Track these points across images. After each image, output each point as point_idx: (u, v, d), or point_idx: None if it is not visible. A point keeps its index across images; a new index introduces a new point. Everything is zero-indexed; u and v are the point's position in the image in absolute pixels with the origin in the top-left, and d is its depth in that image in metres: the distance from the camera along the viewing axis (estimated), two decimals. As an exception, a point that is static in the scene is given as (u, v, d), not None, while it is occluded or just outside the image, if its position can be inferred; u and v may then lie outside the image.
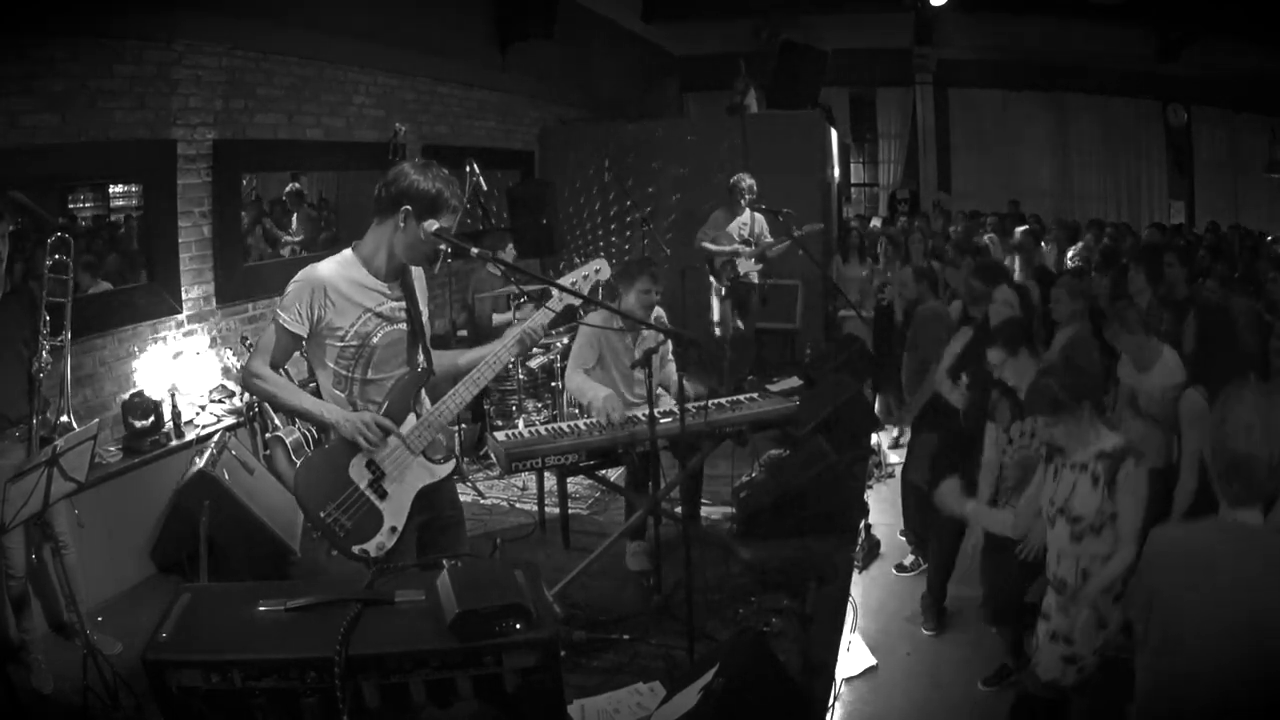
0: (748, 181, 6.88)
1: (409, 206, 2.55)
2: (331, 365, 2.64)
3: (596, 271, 3.01)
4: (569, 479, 4.58)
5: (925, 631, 4.25)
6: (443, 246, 2.65)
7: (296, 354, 2.73)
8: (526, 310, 5.53)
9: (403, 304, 2.69)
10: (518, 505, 5.17)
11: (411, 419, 2.69)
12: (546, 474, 4.38)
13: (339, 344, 2.60)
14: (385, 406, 2.64)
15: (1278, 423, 1.95)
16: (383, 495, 2.62)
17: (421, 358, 2.74)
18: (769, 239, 7.05)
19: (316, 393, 2.75)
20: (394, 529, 2.62)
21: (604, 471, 4.35)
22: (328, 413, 2.62)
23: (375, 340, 2.63)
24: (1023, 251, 7.56)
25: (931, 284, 5.36)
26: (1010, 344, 3.53)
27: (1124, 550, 2.66)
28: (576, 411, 4.76)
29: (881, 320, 6.51)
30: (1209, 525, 2.05)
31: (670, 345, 4.38)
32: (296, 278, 2.58)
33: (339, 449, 2.61)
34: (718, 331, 7.16)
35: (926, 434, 4.68)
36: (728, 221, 6.99)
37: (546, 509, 4.82)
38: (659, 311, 4.43)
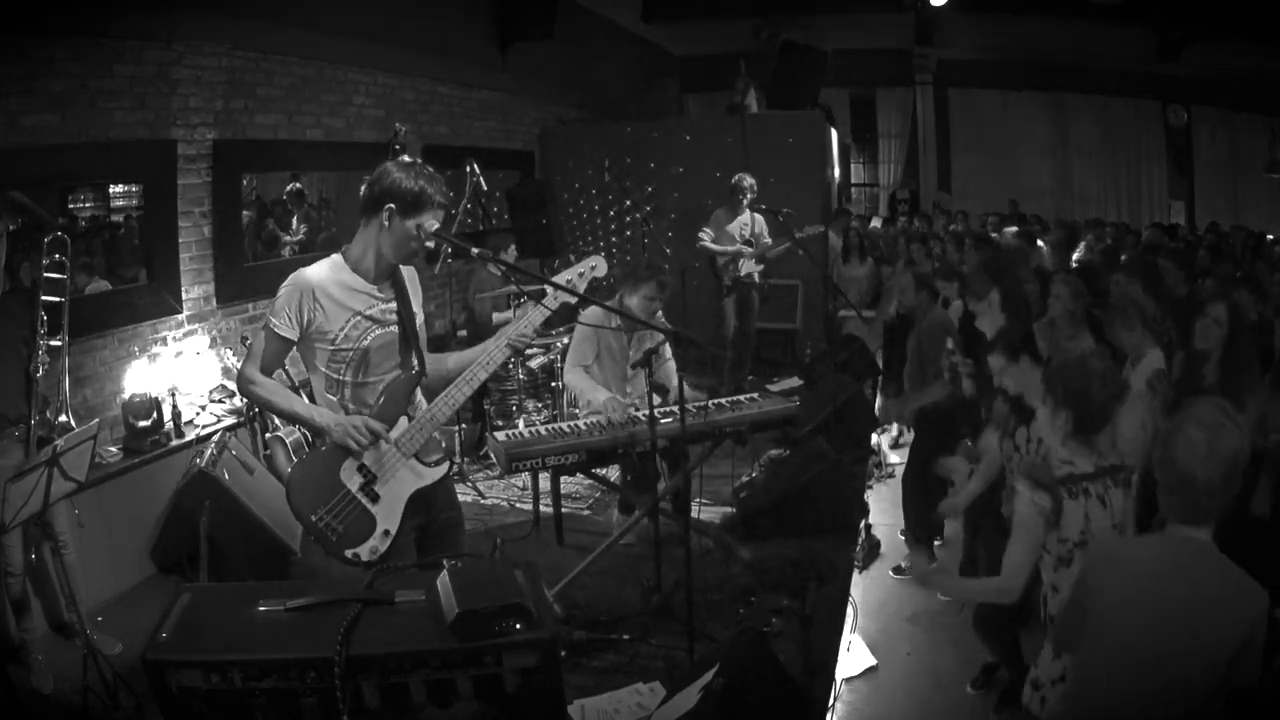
0: (749, 181, 6.88)
1: (392, 205, 2.54)
2: (323, 369, 2.64)
3: (593, 268, 2.99)
4: (568, 478, 4.58)
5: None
6: (431, 244, 2.63)
7: (295, 354, 2.73)
8: (524, 311, 5.53)
9: (393, 306, 2.68)
10: (518, 505, 5.17)
11: (403, 422, 2.67)
12: (541, 473, 4.37)
13: (330, 348, 2.60)
14: (377, 409, 2.64)
15: (1224, 446, 1.93)
16: (375, 499, 2.61)
17: (414, 360, 2.74)
18: (768, 239, 7.05)
19: (312, 394, 2.75)
20: (387, 532, 2.61)
21: (602, 470, 4.35)
22: (319, 417, 2.62)
23: (366, 343, 2.62)
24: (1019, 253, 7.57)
25: (932, 291, 5.28)
26: (1010, 351, 3.53)
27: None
28: (577, 411, 4.76)
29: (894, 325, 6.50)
30: (1150, 541, 2.07)
31: (669, 345, 4.38)
32: (286, 282, 2.58)
33: (331, 453, 2.60)
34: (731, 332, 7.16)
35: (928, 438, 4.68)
36: (728, 221, 6.99)
37: (543, 507, 4.82)
38: (660, 319, 4.42)
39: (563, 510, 4.74)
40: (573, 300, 2.92)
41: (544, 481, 4.81)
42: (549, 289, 2.89)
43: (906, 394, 5.25)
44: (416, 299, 2.79)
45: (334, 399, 2.65)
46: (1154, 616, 1.92)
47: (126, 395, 4.44)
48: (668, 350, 4.42)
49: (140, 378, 4.62)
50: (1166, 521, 2.02)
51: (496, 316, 5.98)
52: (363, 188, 2.62)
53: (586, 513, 5.09)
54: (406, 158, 2.71)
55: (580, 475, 4.53)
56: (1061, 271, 6.14)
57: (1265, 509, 3.59)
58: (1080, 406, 2.59)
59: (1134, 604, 1.94)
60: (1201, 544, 1.98)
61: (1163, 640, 1.91)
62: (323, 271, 2.61)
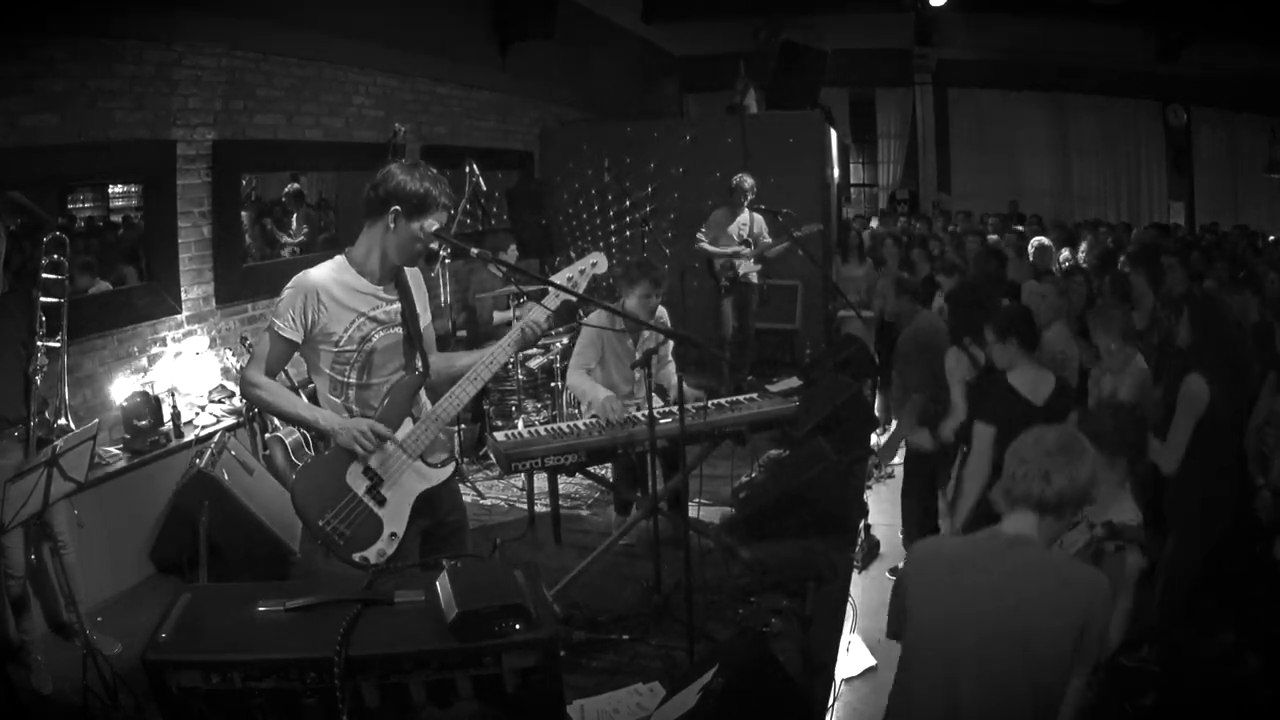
0: (749, 183, 6.88)
1: (398, 207, 2.54)
2: (327, 371, 2.63)
3: (593, 265, 2.99)
4: (567, 478, 4.57)
5: None
6: (435, 246, 2.63)
7: (296, 354, 2.73)
8: (527, 309, 5.53)
9: (398, 307, 2.67)
10: (518, 505, 5.17)
11: (408, 423, 2.67)
12: (539, 473, 4.37)
13: (334, 349, 2.60)
14: (381, 411, 2.63)
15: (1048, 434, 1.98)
16: (381, 501, 2.61)
17: (419, 361, 2.73)
18: (767, 239, 7.05)
19: (314, 396, 2.75)
20: (394, 535, 2.60)
21: (599, 469, 4.35)
22: (323, 420, 2.61)
23: (370, 345, 2.62)
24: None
25: (913, 295, 5.16)
26: (1000, 330, 3.54)
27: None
28: (576, 411, 4.76)
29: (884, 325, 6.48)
30: (974, 537, 2.06)
31: (670, 345, 4.38)
32: (289, 284, 2.58)
33: (336, 456, 2.60)
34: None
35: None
36: (727, 222, 6.99)
37: (541, 507, 4.82)
38: (661, 312, 4.43)
39: (561, 510, 4.74)
40: (574, 299, 2.92)
41: (542, 481, 4.81)
42: (551, 289, 2.88)
43: (893, 409, 5.22)
44: (421, 300, 2.78)
45: (338, 401, 2.65)
46: (969, 618, 1.89)
47: (126, 395, 4.44)
48: (668, 352, 4.42)
49: (140, 378, 4.62)
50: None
51: (497, 315, 5.98)
52: (366, 189, 2.62)
53: (585, 513, 5.09)
54: (407, 159, 2.70)
55: (579, 475, 4.53)
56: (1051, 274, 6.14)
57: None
58: (1130, 447, 2.68)
59: (944, 608, 1.93)
60: (1022, 536, 1.97)
61: (979, 641, 1.89)
62: (327, 273, 2.60)
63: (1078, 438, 2.01)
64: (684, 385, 3.50)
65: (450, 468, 2.80)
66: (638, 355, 4.36)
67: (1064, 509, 1.97)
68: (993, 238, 9.25)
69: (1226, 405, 3.55)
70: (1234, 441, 3.71)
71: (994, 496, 2.02)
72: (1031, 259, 7.25)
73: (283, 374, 3.14)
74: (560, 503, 4.80)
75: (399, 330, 2.68)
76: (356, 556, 2.56)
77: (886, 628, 2.13)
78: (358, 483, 2.60)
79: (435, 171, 2.63)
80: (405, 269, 2.72)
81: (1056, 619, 1.87)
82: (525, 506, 4.99)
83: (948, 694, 1.90)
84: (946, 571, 1.95)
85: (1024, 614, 1.87)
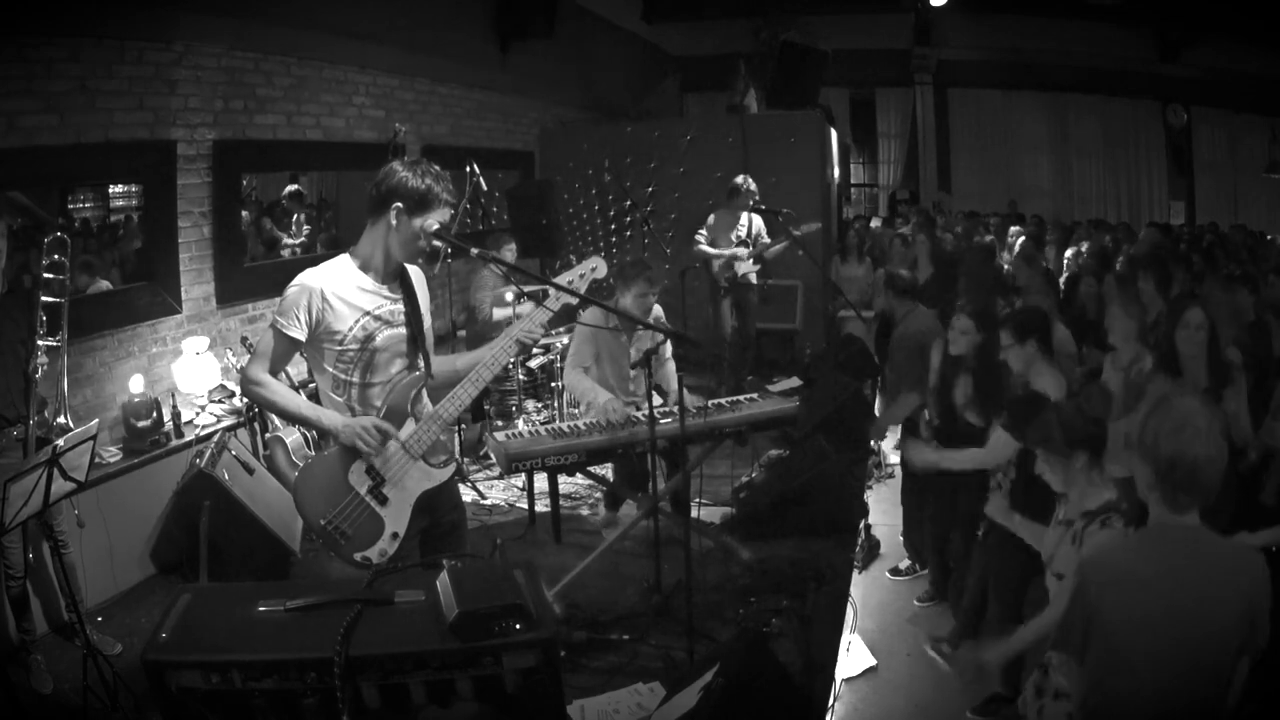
0: (752, 186, 6.87)
1: (400, 204, 2.54)
2: (330, 369, 2.63)
3: (593, 270, 3.00)
4: (567, 478, 4.57)
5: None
6: (438, 244, 2.63)
7: (296, 354, 2.73)
8: (527, 309, 5.54)
9: (401, 306, 2.67)
10: (518, 505, 5.17)
11: (410, 423, 2.67)
12: (539, 473, 4.37)
13: (337, 348, 2.59)
14: (384, 410, 2.63)
15: (1213, 426, 1.92)
16: (383, 501, 2.61)
17: (420, 361, 2.73)
18: (766, 239, 7.05)
19: (316, 395, 2.74)
20: (395, 535, 2.60)
21: (598, 468, 4.35)
22: (325, 418, 2.61)
23: (374, 344, 2.62)
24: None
25: (900, 292, 5.11)
26: (1019, 331, 3.53)
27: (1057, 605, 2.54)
28: (576, 411, 4.77)
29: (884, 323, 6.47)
30: (1145, 536, 2.02)
31: (669, 345, 4.38)
32: (293, 282, 2.57)
33: (338, 455, 2.60)
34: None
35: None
36: (728, 224, 6.99)
37: (541, 507, 4.82)
38: (658, 311, 4.43)
39: (561, 510, 4.74)
40: (574, 301, 2.92)
41: (543, 481, 4.81)
42: (551, 290, 2.88)
43: (884, 407, 5.21)
44: (424, 300, 2.78)
45: (340, 399, 2.65)
46: (1163, 618, 1.90)
47: (126, 395, 4.44)
48: (668, 351, 4.42)
49: (140, 378, 4.63)
50: (1154, 505, 2.00)
51: (498, 312, 5.98)
52: (369, 187, 2.61)
53: (585, 512, 5.09)
54: (410, 157, 2.70)
55: (579, 475, 4.54)
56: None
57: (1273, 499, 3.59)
58: (1088, 441, 2.68)
59: (1141, 612, 1.91)
60: (1192, 529, 1.95)
61: (1175, 638, 1.90)
62: (331, 272, 2.60)
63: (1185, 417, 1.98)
64: (684, 389, 3.50)
65: (451, 468, 2.80)
66: (635, 355, 4.37)
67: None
68: (989, 239, 9.26)
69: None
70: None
71: (1162, 497, 1.95)
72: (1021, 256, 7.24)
73: (283, 373, 3.15)
74: (561, 502, 4.80)
75: (402, 329, 2.68)
76: (358, 556, 2.56)
77: (1058, 640, 2.05)
78: (360, 482, 2.60)
79: (438, 169, 2.62)
80: (409, 268, 2.72)
81: (1237, 605, 1.91)
82: (525, 506, 4.99)
83: (1155, 697, 1.92)
84: (1141, 576, 1.93)
85: (1215, 603, 1.90)
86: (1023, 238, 8.86)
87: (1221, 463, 1.91)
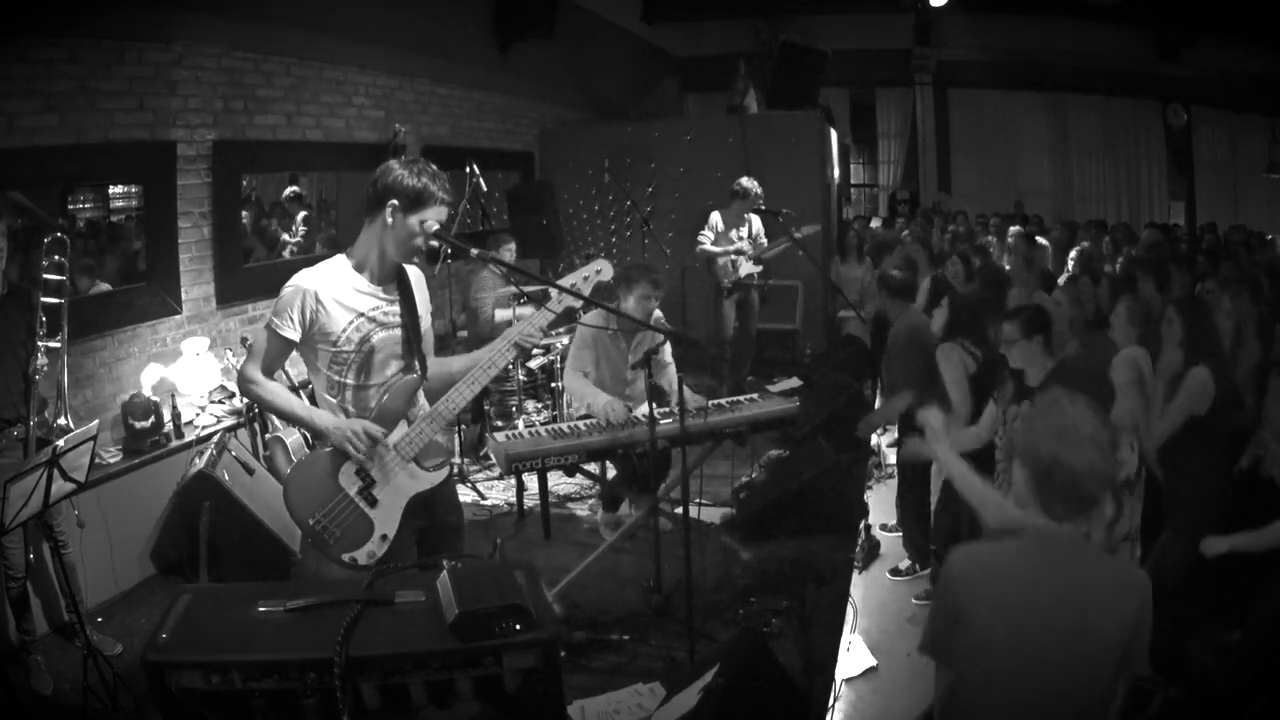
0: (758, 190, 6.86)
1: (395, 201, 2.53)
2: (325, 370, 2.63)
3: (598, 272, 2.99)
4: (568, 478, 4.56)
5: None
6: (435, 244, 2.62)
7: (296, 354, 2.73)
8: (527, 310, 5.54)
9: (397, 308, 2.67)
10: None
11: (403, 425, 2.66)
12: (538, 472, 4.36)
13: (332, 349, 2.59)
14: (377, 412, 2.63)
15: (1096, 432, 1.85)
16: (373, 503, 2.61)
17: (416, 362, 2.72)
18: (764, 241, 7.05)
19: (314, 397, 2.74)
20: (384, 537, 2.60)
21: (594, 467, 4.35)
22: (318, 419, 2.61)
23: (369, 345, 2.61)
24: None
25: (894, 291, 5.10)
26: (1027, 327, 3.53)
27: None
28: (576, 412, 4.76)
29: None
30: (1021, 538, 1.94)
31: (668, 348, 4.38)
32: (289, 283, 2.57)
33: (329, 456, 2.60)
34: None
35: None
36: (729, 225, 6.99)
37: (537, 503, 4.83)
38: (658, 315, 4.43)
39: (564, 509, 4.74)
40: (577, 304, 2.92)
41: (532, 479, 4.79)
42: (554, 292, 2.88)
43: (879, 404, 5.21)
44: (423, 301, 2.77)
45: (334, 401, 2.64)
46: (1034, 624, 1.83)
47: (126, 396, 4.44)
48: (668, 354, 4.42)
49: (139, 379, 4.63)
50: (1035, 514, 1.94)
51: (497, 316, 5.98)
52: (366, 186, 2.61)
53: (585, 512, 5.09)
54: (408, 156, 2.69)
55: (579, 474, 4.54)
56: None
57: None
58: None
59: (1010, 615, 1.84)
60: (1074, 540, 1.89)
61: (1045, 647, 1.83)
62: (326, 272, 2.60)
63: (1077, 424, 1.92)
64: (684, 389, 3.50)
65: (444, 472, 2.78)
66: (635, 357, 4.37)
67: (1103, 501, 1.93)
68: (991, 238, 9.25)
69: (1222, 405, 3.56)
70: (1223, 441, 3.71)
71: (1045, 505, 1.88)
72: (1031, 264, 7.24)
73: (282, 374, 3.15)
74: (555, 501, 4.80)
75: (398, 331, 2.67)
76: (345, 557, 2.55)
77: (925, 645, 1.98)
78: (350, 483, 2.60)
79: (435, 168, 2.61)
80: (408, 269, 2.71)
81: (1120, 623, 1.84)
82: (526, 506, 4.99)
83: (1019, 706, 1.87)
84: (1012, 585, 1.87)
85: (1092, 620, 1.84)
86: (1017, 230, 8.83)
87: (1105, 475, 1.84)
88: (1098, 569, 1.91)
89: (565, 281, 2.92)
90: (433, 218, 2.57)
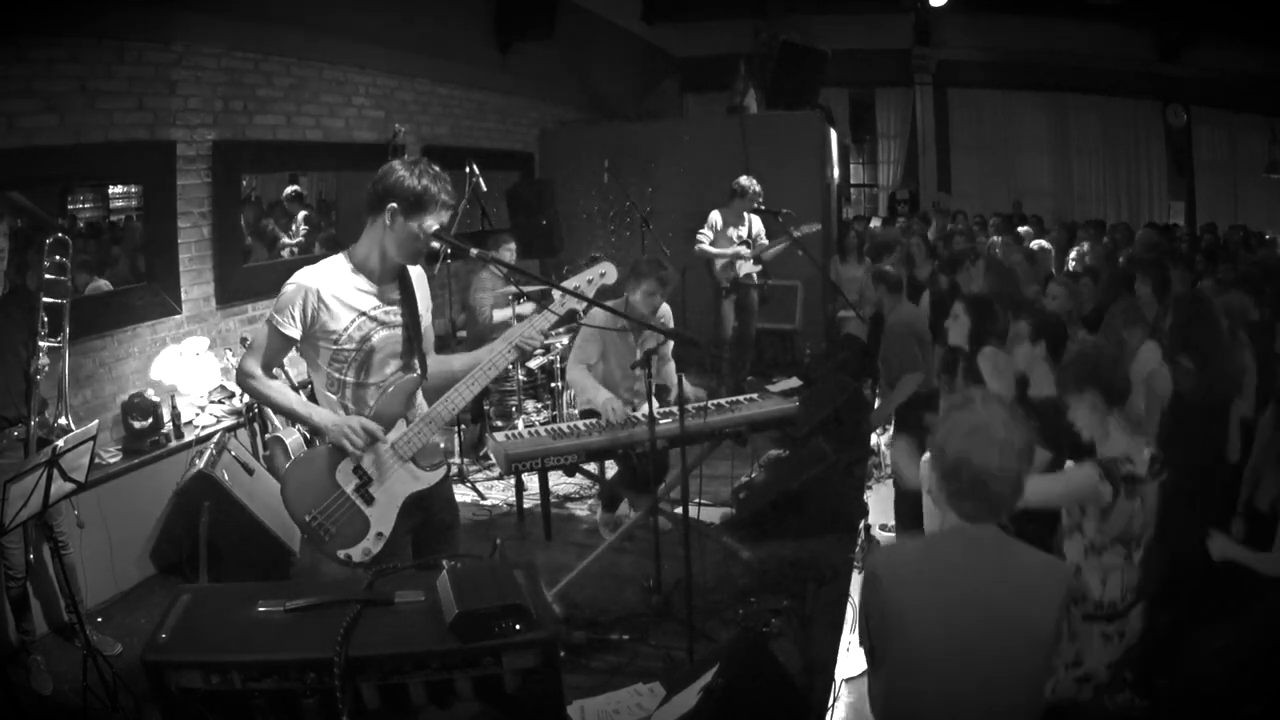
0: (757, 188, 6.86)
1: (394, 204, 2.52)
2: (325, 368, 2.63)
3: (602, 275, 2.99)
4: (567, 478, 4.56)
5: None
6: (436, 245, 2.62)
7: (296, 354, 2.73)
8: (527, 309, 5.54)
9: (398, 307, 2.67)
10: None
11: (402, 424, 2.67)
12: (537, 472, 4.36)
13: (333, 347, 2.59)
14: (376, 410, 2.63)
15: (1013, 438, 1.85)
16: (369, 501, 2.61)
17: (417, 361, 2.72)
18: (764, 241, 7.05)
19: (313, 395, 2.74)
20: (380, 535, 2.60)
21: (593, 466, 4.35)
22: (316, 415, 2.61)
23: (370, 344, 2.61)
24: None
25: (892, 287, 5.14)
26: (1036, 330, 3.53)
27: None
28: (575, 411, 4.76)
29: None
30: (937, 537, 1.97)
31: (670, 344, 4.38)
32: (291, 280, 2.57)
33: (327, 453, 2.60)
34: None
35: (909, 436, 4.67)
36: (727, 224, 6.99)
37: (533, 505, 4.83)
38: (665, 310, 4.43)
39: (564, 509, 4.74)
40: (580, 306, 2.92)
41: (532, 479, 4.80)
42: (556, 294, 2.88)
43: (880, 397, 5.21)
44: (424, 300, 2.77)
45: (334, 398, 2.65)
46: (961, 616, 1.83)
47: (126, 396, 4.44)
48: (668, 350, 4.42)
49: (139, 378, 4.62)
50: (947, 516, 1.94)
51: (497, 314, 5.98)
52: (367, 186, 2.61)
53: (585, 512, 5.09)
54: (411, 157, 2.68)
55: (580, 475, 4.54)
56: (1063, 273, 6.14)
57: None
58: (1099, 381, 2.63)
59: (933, 612, 1.84)
60: (991, 535, 1.89)
61: (977, 637, 1.84)
62: (328, 271, 2.60)
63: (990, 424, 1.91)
64: (684, 384, 3.50)
65: (441, 471, 2.79)
66: (639, 355, 4.37)
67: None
68: (995, 239, 9.25)
69: (1206, 401, 3.57)
70: (1213, 442, 3.71)
71: (961, 508, 1.89)
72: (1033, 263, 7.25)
73: (282, 374, 3.15)
74: (555, 501, 4.80)
75: (398, 330, 2.67)
76: (341, 553, 2.56)
77: (860, 642, 1.99)
78: (347, 480, 2.60)
79: (438, 169, 2.60)
80: (409, 269, 2.71)
81: (1046, 609, 1.85)
82: (526, 506, 4.99)
83: (956, 703, 1.87)
84: (932, 580, 1.87)
85: (1019, 610, 1.85)
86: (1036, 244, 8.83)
87: (1014, 478, 1.83)
88: (1018, 559, 1.92)
89: (569, 284, 2.92)
90: (433, 222, 2.56)
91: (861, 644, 2.00)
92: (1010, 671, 1.86)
